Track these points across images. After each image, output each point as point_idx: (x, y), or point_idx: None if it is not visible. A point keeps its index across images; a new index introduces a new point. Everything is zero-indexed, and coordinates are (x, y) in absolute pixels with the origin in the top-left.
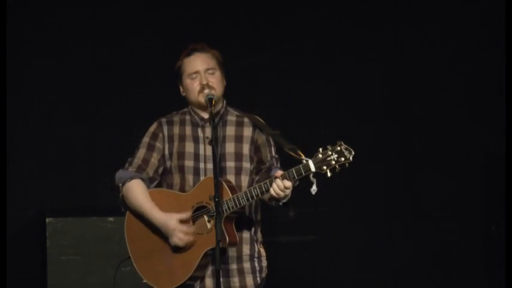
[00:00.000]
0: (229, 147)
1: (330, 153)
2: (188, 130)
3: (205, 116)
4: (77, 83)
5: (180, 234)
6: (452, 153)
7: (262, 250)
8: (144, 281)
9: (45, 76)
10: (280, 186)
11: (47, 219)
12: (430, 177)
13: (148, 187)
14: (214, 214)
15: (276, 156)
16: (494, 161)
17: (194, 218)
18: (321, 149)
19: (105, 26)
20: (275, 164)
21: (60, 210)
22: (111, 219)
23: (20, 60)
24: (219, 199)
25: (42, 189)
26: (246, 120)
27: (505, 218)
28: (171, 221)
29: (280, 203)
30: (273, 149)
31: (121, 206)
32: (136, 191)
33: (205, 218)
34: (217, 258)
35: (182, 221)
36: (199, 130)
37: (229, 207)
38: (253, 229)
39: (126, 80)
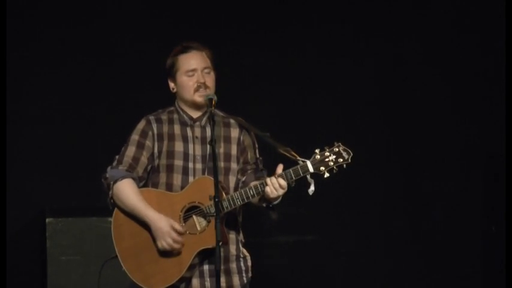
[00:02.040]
0: (218, 148)
1: (327, 154)
2: (177, 129)
3: (194, 115)
4: (78, 83)
5: (169, 240)
6: (452, 153)
7: (245, 251)
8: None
9: (45, 76)
10: (275, 184)
11: (47, 219)
12: (430, 177)
13: (137, 186)
14: (209, 214)
15: (260, 158)
16: (494, 161)
17: (185, 218)
18: (317, 150)
19: (105, 26)
20: (260, 165)
21: (60, 210)
22: (111, 219)
23: (20, 61)
24: (219, 199)
25: (42, 189)
26: (232, 121)
27: (505, 218)
28: (164, 223)
29: (271, 205)
30: (257, 150)
31: (109, 205)
32: (129, 191)
33: (195, 218)
34: (217, 258)
35: (174, 228)
36: (188, 129)
37: (223, 208)
38: (237, 230)
39: (128, 81)
